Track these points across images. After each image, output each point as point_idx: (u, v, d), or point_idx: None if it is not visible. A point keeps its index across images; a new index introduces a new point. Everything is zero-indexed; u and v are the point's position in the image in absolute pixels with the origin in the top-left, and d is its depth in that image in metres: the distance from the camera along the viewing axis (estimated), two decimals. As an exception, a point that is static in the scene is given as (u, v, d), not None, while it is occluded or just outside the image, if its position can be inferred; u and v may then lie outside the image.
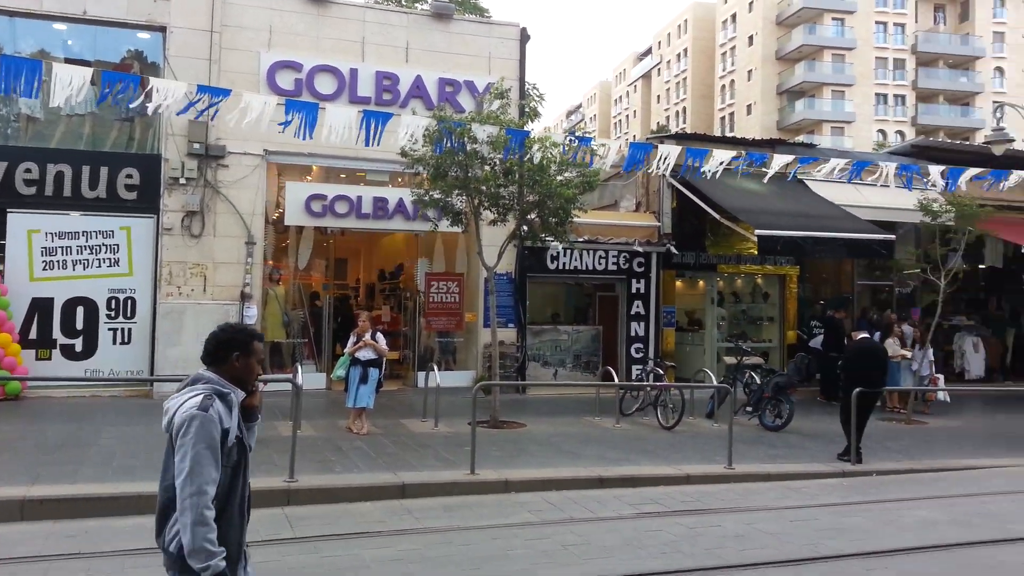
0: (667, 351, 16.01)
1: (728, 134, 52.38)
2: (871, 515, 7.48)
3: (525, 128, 11.61)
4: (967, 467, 9.90)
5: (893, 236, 14.80)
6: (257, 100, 10.46)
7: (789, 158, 13.86)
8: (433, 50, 15.26)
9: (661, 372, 13.29)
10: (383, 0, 20.87)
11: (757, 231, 13.81)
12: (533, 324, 15.82)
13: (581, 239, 15.02)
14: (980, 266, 18.08)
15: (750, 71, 65.80)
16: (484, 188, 11.29)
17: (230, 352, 3.14)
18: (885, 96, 61.80)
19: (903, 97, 62.05)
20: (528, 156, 11.00)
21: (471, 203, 11.58)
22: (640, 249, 15.82)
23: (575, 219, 12.12)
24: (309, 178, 15.43)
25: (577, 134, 12.82)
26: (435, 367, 11.94)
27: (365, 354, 10.40)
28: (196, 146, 13.62)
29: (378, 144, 10.96)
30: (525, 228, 11.88)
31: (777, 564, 5.88)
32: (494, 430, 10.92)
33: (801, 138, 49.80)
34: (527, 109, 11.94)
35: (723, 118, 69.65)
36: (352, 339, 10.60)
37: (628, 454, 9.70)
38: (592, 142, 12.49)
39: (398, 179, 14.88)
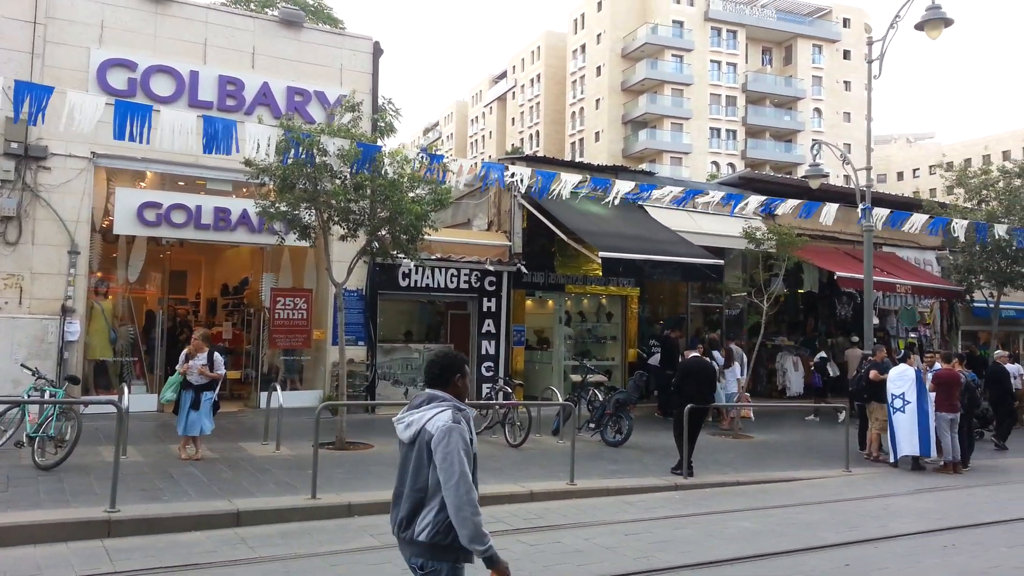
0: (516, 369, 16.27)
1: (578, 159, 54.27)
2: (700, 527, 7.92)
3: (381, 143, 11.48)
4: (786, 479, 10.69)
5: (722, 261, 15.86)
6: (84, 99, 9.71)
7: (630, 184, 14.55)
8: (282, 57, 14.80)
9: (510, 390, 13.47)
10: (229, 2, 20.03)
11: (601, 253, 14.35)
12: (384, 342, 15.61)
13: (433, 257, 15.04)
14: (799, 290, 19.73)
15: (598, 100, 68.71)
16: (334, 202, 11.04)
17: (453, 375, 3.69)
18: (719, 130, 66.41)
19: (734, 132, 66.94)
20: (380, 171, 10.88)
21: (320, 217, 11.27)
22: (492, 268, 16.01)
23: (427, 236, 12.10)
24: (143, 184, 14.45)
25: (430, 151, 12.83)
26: (278, 387, 11.48)
27: (196, 378, 9.78)
28: (14, 145, 12.42)
29: (220, 152, 10.47)
30: (376, 244, 11.71)
31: (613, 579, 6.07)
32: (339, 452, 10.63)
33: (644, 166, 52.43)
34: (382, 124, 11.78)
35: (573, 143, 72.18)
36: (182, 358, 9.94)
37: (478, 473, 9.70)
38: (444, 159, 12.56)
39: (242, 189, 14.25)
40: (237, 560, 6.30)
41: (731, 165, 62.50)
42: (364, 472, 9.42)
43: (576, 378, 15.43)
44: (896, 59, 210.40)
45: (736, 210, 15.68)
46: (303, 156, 10.57)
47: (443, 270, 15.64)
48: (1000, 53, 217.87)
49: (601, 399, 13.06)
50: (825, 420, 16.66)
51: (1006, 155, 47.86)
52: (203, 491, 8.09)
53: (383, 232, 11.52)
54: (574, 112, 72.96)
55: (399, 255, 12.04)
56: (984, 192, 18.27)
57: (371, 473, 9.39)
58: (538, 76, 79.54)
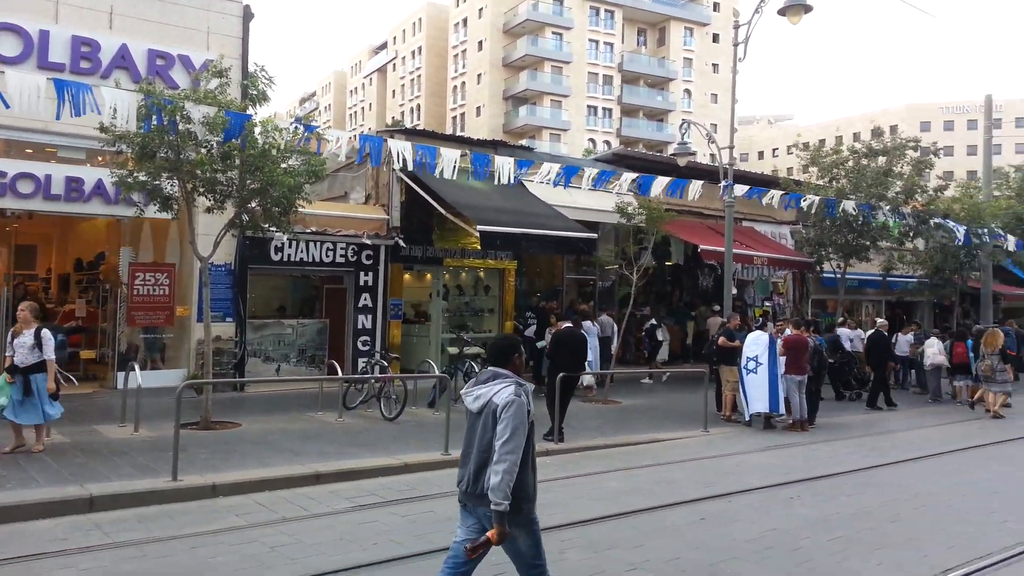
0: (394, 343, 16.18)
1: (459, 133, 54.10)
2: (570, 489, 8.20)
3: (252, 111, 11.01)
4: (651, 440, 11.22)
5: (596, 235, 16.31)
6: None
7: (509, 159, 14.69)
8: (143, 19, 13.89)
9: (386, 364, 13.39)
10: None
11: (479, 227, 14.44)
12: (255, 318, 15.12)
13: (308, 230, 14.67)
14: (667, 263, 20.57)
15: (480, 75, 68.59)
16: (199, 172, 10.53)
17: (512, 354, 4.35)
18: (596, 108, 67.87)
19: (610, 110, 68.61)
20: (249, 140, 10.46)
21: (183, 188, 10.72)
22: (369, 242, 15.79)
23: (300, 209, 11.77)
24: (-17, 151, 13.29)
25: (305, 122, 12.43)
26: (136, 366, 10.92)
27: (21, 358, 8.45)
28: None
29: (73, 116, 9.77)
30: (246, 217, 11.28)
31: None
32: (204, 432, 10.26)
33: (524, 142, 52.84)
34: (254, 92, 11.27)
35: (455, 118, 71.83)
36: (8, 337, 8.75)
37: (349, 448, 9.65)
38: (318, 129, 12.21)
39: (97, 158, 13.35)
40: (90, 547, 6.00)
41: (607, 142, 64.07)
42: (230, 452, 9.14)
43: (453, 351, 15.52)
44: (762, 44, 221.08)
45: (610, 186, 16.15)
46: (165, 123, 10.00)
47: (318, 244, 15.28)
48: (855, 40, 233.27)
49: (478, 370, 13.21)
50: (690, 384, 17.52)
51: (856, 136, 51.32)
52: (53, 477, 7.62)
53: (253, 204, 11.11)
54: (456, 86, 72.53)
55: (271, 228, 11.66)
56: (835, 170, 19.59)
57: (237, 452, 9.13)
58: (419, 48, 78.43)
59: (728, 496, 8.08)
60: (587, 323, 15.83)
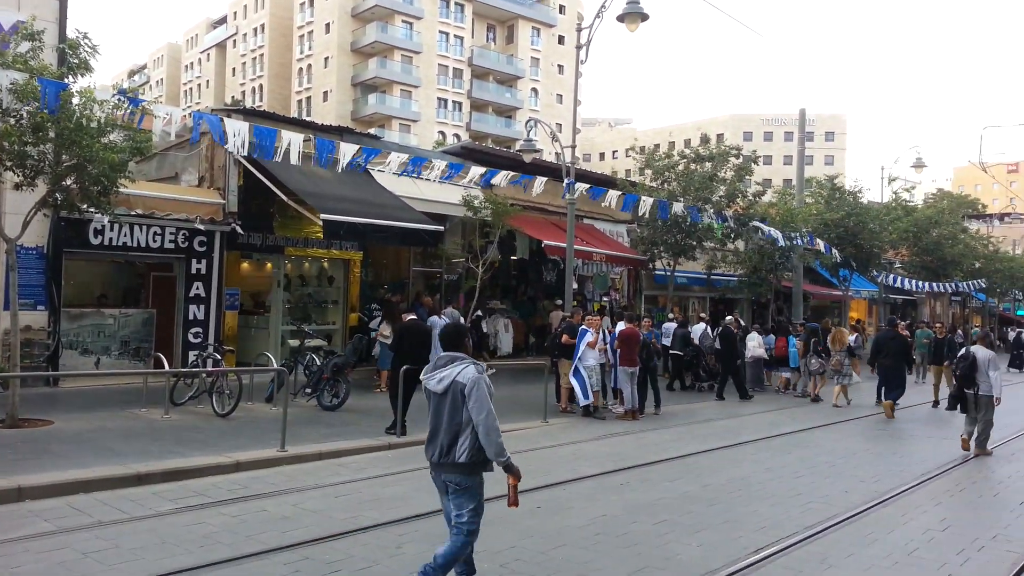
0: (229, 335, 15.43)
1: (306, 118, 52.34)
2: (410, 483, 8.19)
3: (70, 80, 10.08)
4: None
5: (442, 227, 16.34)
6: None
7: (355, 147, 14.37)
8: (-62, -31, 12.38)
9: (219, 357, 12.76)
10: None
11: (323, 215, 14.06)
12: (71, 307, 13.94)
13: (132, 212, 13.70)
14: (512, 257, 20.97)
15: (327, 58, 66.67)
16: (5, 144, 9.55)
17: (463, 339, 4.97)
18: (446, 101, 67.91)
19: (460, 104, 68.90)
20: (65, 112, 9.58)
21: (-14, 161, 9.69)
22: (202, 227, 14.93)
23: (123, 189, 10.96)
24: None
25: (130, 94, 11.53)
26: (-74, 359, 9.76)
27: None
28: None
29: None
30: (60, 196, 10.34)
31: (317, 541, 6.07)
32: (11, 430, 9.37)
33: (373, 130, 51.96)
34: (74, 60, 10.31)
35: (300, 101, 69.41)
36: None
37: (176, 446, 9.12)
38: (145, 103, 11.38)
39: None
40: None
41: (456, 135, 64.34)
42: (41, 452, 8.39)
43: (294, 343, 15.04)
44: (606, 49, 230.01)
45: (458, 179, 16.21)
46: (-38, 88, 8.97)
47: (145, 228, 14.27)
48: (691, 52, 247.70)
49: (319, 363, 12.88)
50: (533, 376, 17.97)
51: (687, 143, 54.41)
52: None
53: (69, 182, 10.21)
54: (301, 68, 70.08)
55: (89, 209, 10.77)
56: (667, 174, 20.76)
57: (51, 452, 8.40)
58: (262, 26, 75.05)
59: (563, 484, 8.37)
60: (434, 317, 15.87)
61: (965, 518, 7.60)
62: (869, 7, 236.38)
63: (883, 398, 15.52)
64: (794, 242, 21.67)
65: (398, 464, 9.05)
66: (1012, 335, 40.14)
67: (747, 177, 21.25)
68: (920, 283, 32.80)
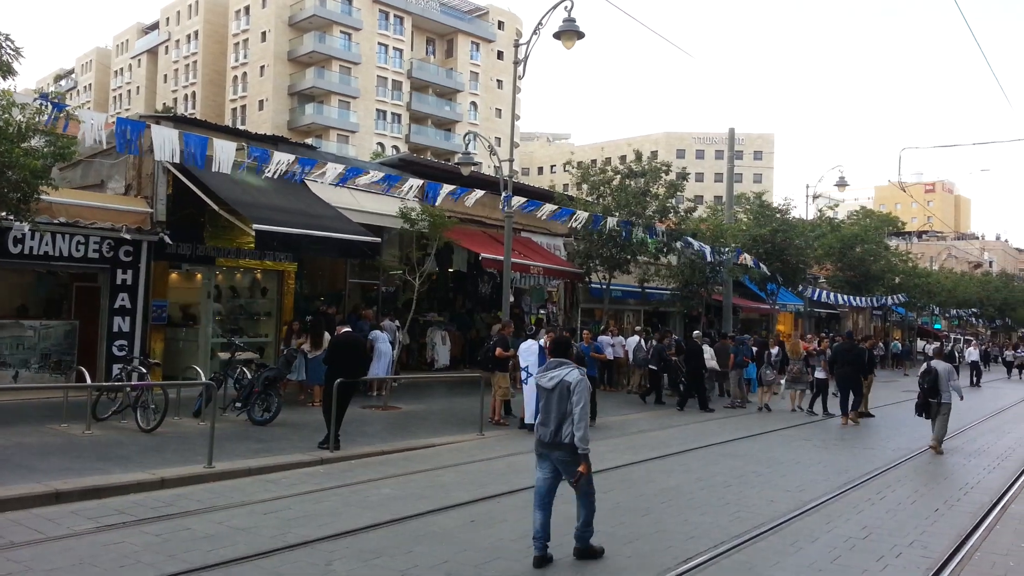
0: (156, 348, 14.96)
1: (240, 127, 51.32)
2: (341, 498, 8.06)
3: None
4: (428, 445, 11.34)
5: (379, 239, 16.20)
6: None
7: (290, 157, 14.17)
8: None
9: (144, 371, 12.34)
10: None
11: (255, 225, 13.78)
12: (-14, 318, 13.30)
13: (55, 220, 13.20)
14: (450, 270, 20.94)
15: (263, 67, 65.57)
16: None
17: (568, 348, 6.54)
18: (385, 112, 67.51)
19: (400, 116, 68.58)
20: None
21: None
22: (128, 236, 14.46)
23: (45, 196, 10.56)
24: None
25: (52, 99, 11.12)
26: None
27: None
28: None
29: None
30: (-26, 203, 9.91)
31: (243, 560, 5.92)
32: (-85, 449, 8.85)
33: (311, 141, 51.36)
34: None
35: (235, 110, 68.02)
36: None
37: (98, 462, 8.77)
38: (68, 108, 10.99)
39: None
40: None
41: (395, 147, 64.00)
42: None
43: (224, 356, 14.67)
44: (546, 66, 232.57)
45: (397, 191, 16.13)
46: None
47: (68, 236, 13.76)
48: (629, 70, 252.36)
49: (250, 377, 12.59)
50: (468, 389, 17.95)
51: (622, 159, 55.53)
52: None
53: (-15, 188, 9.79)
54: (236, 76, 68.71)
55: (8, 216, 10.34)
56: (602, 188, 21.07)
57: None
58: (196, 33, 73.36)
59: (497, 497, 8.37)
60: (376, 332, 15.70)
61: (885, 525, 7.87)
62: (796, 34, 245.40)
63: (844, 411, 16.14)
64: (724, 257, 22.23)
65: (331, 479, 8.90)
66: (928, 347, 42.02)
67: (678, 193, 21.73)
68: (844, 297, 34.03)
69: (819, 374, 17.70)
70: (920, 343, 44.44)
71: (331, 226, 15.39)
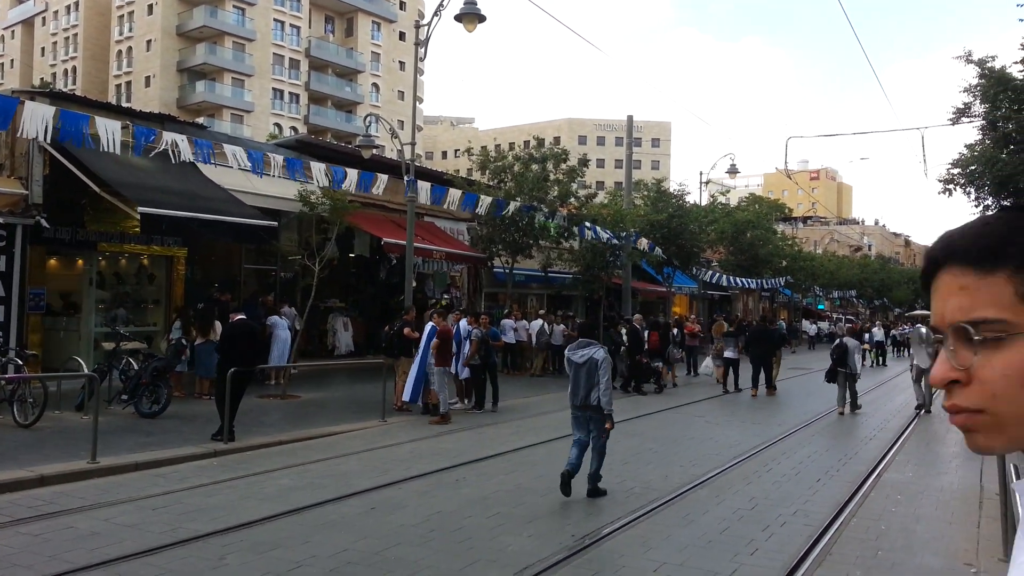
0: (33, 339, 14.04)
1: (125, 104, 48.62)
2: (236, 490, 7.84)
3: None
4: (328, 434, 11.15)
5: (276, 223, 15.72)
6: None
7: (180, 137, 13.55)
8: None
9: (20, 363, 11.60)
10: None
11: (140, 208, 13.11)
12: None
13: (-88, 203, 12.13)
14: (351, 255, 20.57)
15: (150, 41, 62.28)
16: None
17: (594, 331, 8.47)
18: (282, 92, 65.39)
19: (298, 96, 66.59)
20: None
21: None
22: (1, 220, 13.49)
23: (-101, 177, 9.67)
24: None
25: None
26: None
27: None
28: None
29: None
30: None
31: (130, 557, 5.67)
32: None
33: (202, 120, 49.13)
34: None
35: (120, 86, 64.37)
36: None
37: (-34, 462, 8.19)
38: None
39: None
40: None
41: (294, 128, 62.14)
42: None
43: (109, 346, 13.95)
44: (452, 48, 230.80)
45: (299, 176, 15.69)
46: None
47: (-72, 220, 12.71)
48: (534, 55, 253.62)
49: (137, 368, 12.03)
50: (370, 375, 17.74)
51: (525, 145, 56.04)
52: None
53: None
54: (121, 51, 64.98)
55: None
56: (503, 174, 21.14)
57: None
58: (76, 3, 68.80)
59: (399, 483, 8.33)
60: (274, 317, 15.28)
61: (771, 496, 8.30)
62: (693, 25, 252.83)
63: (754, 384, 17.97)
64: (624, 241, 22.74)
65: (224, 472, 8.63)
66: (812, 328, 44.37)
67: (579, 179, 22.05)
68: (735, 280, 35.51)
69: (729, 353, 18.86)
70: (804, 323, 46.84)
71: (223, 209, 14.80)
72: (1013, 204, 0.93)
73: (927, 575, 5.99)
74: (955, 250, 0.88)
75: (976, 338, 0.84)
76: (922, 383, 15.42)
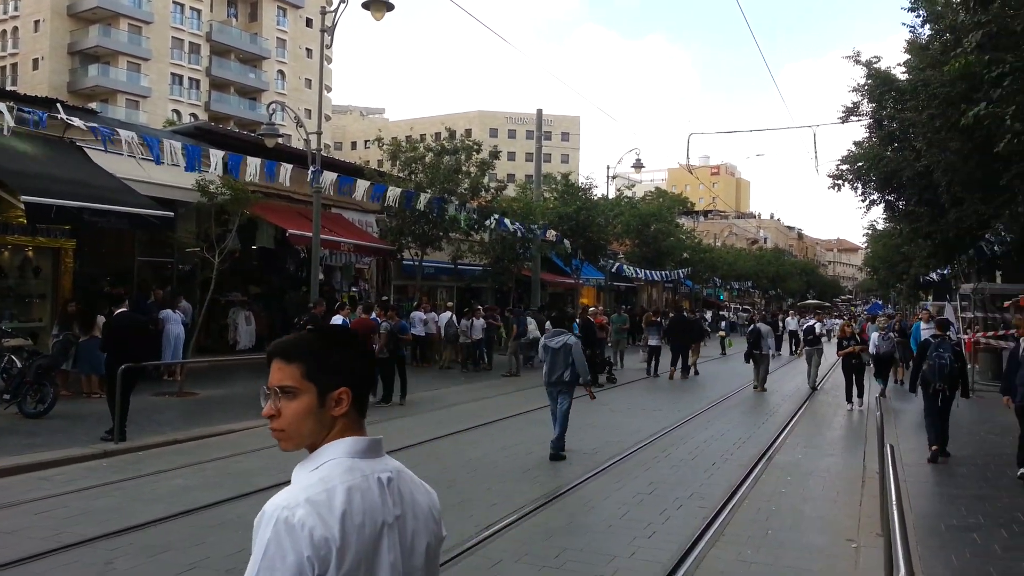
0: (-99, 336, 13.04)
1: (10, 88, 45.68)
2: (126, 492, 7.51)
3: None
4: (227, 431, 10.80)
5: (172, 213, 15.10)
6: None
7: (73, 121, 12.84)
8: None
9: None
10: None
11: (24, 197, 12.38)
12: None
13: None
14: (254, 246, 19.96)
15: (37, 21, 58.57)
16: None
17: (567, 321, 12.00)
18: (181, 77, 62.71)
19: (198, 81, 64.00)
20: None
21: None
22: None
23: None
24: None
25: None
26: None
27: None
28: None
29: None
30: None
31: (9, 566, 5.35)
32: None
33: (95, 106, 46.57)
34: None
35: (4, 68, 60.31)
36: None
37: None
38: None
39: None
40: None
41: (194, 115, 59.71)
42: None
43: (-12, 344, 13.09)
44: (362, 37, 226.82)
45: (199, 165, 15.09)
46: None
47: None
48: (445, 46, 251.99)
49: (20, 365, 11.34)
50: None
51: (436, 136, 55.77)
52: None
53: None
54: (6, 31, 60.83)
55: None
56: (414, 165, 20.97)
57: None
58: (-50, -24, 63.92)
59: (302, 479, 8.14)
60: (166, 311, 14.70)
61: (668, 480, 8.57)
62: (601, 22, 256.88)
63: (673, 365, 19.81)
64: (533, 233, 22.95)
65: (115, 473, 8.25)
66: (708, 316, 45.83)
67: (490, 171, 22.11)
68: (640, 271, 36.42)
69: (652, 341, 20.61)
70: (707, 313, 48.53)
71: (115, 198, 14.11)
72: (313, 328, 1.87)
73: (813, 551, 6.31)
74: (278, 349, 1.74)
75: (281, 394, 1.68)
76: (811, 365, 18.35)
